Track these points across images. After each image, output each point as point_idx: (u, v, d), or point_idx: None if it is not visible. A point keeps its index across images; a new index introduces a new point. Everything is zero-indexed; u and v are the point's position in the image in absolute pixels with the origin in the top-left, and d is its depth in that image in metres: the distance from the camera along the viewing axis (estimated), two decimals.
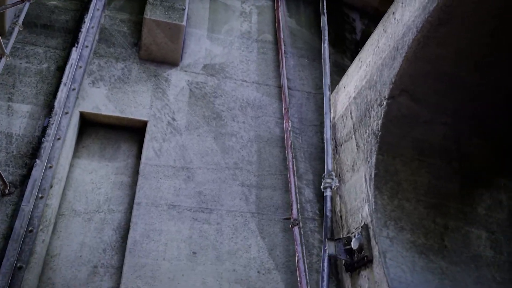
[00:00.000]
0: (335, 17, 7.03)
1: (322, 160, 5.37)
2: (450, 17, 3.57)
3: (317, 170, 5.31)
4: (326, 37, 5.99)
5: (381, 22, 4.67)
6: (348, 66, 6.26)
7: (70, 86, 4.86)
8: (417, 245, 4.04)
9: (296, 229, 4.58)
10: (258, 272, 4.44)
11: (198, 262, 4.33)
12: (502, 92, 4.33)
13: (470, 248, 4.32)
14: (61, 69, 5.02)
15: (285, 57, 6.12)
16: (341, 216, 4.74)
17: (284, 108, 5.53)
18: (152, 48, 5.40)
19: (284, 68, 5.89)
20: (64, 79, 4.84)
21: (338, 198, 4.86)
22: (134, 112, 5.07)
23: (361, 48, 5.98)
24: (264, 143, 5.31)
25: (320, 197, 5.10)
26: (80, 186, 4.65)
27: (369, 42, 4.87)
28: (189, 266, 4.28)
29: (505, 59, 3.97)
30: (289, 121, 5.42)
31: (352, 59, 6.65)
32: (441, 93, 4.18)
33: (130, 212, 4.60)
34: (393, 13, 4.37)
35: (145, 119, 5.05)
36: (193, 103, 5.33)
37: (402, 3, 4.20)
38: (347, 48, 6.83)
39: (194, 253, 4.36)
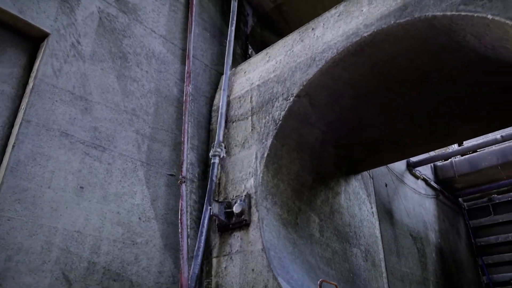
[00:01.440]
0: (238, 6, 7.53)
1: (207, 129, 5.78)
2: (363, 52, 4.63)
3: (202, 138, 5.69)
4: (234, 21, 6.45)
5: (297, 31, 5.46)
6: (238, 53, 6.86)
7: None
8: (283, 218, 4.95)
9: (183, 186, 4.87)
10: (139, 218, 4.54)
11: (84, 198, 4.13)
12: (360, 121, 5.73)
13: (309, 228, 5.52)
14: None
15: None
16: (219, 183, 5.28)
17: (187, 72, 5.70)
18: None
19: (192, 34, 6.04)
20: None
21: (220, 167, 5.38)
22: (36, 18, 4.38)
23: (249, 41, 6.70)
24: (162, 98, 5.37)
25: (201, 162, 5.50)
26: None
27: (280, 43, 5.60)
28: (74, 200, 4.04)
29: (375, 98, 5.33)
30: (190, 86, 5.63)
31: (242, 48, 7.27)
32: (328, 105, 5.25)
33: (9, 128, 4.00)
34: (313, 29, 5.22)
35: (48, 30, 4.43)
36: (101, 34, 4.94)
37: (323, 24, 5.10)
38: (239, 37, 7.41)
39: (81, 187, 4.14)
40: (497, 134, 11.05)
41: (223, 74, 6.30)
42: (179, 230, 4.61)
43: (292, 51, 5.29)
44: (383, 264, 8.32)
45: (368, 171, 8.71)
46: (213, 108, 5.94)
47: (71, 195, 4.04)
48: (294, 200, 5.25)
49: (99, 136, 4.48)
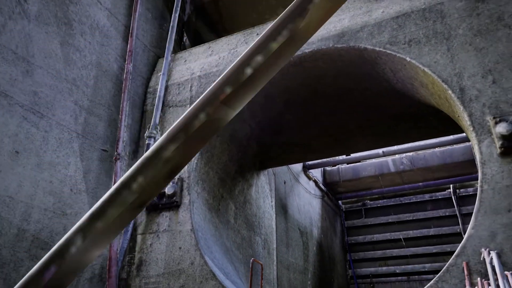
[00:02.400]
0: None
1: (141, 110, 5.88)
2: (301, 65, 5.27)
3: (135, 117, 5.77)
4: (179, 8, 6.60)
5: (241, 33, 5.89)
6: (173, 39, 7.00)
7: None
8: (209, 203, 5.35)
9: (118, 162, 4.94)
10: (71, 190, 4.53)
11: (19, 163, 4.01)
12: (283, 124, 6.40)
13: (227, 214, 6.01)
14: None
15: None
16: None
17: (129, 51, 5.71)
18: None
19: (138, 13, 6.05)
20: None
21: None
22: None
23: (185, 28, 6.96)
24: (102, 73, 5.33)
25: (132, 141, 5.59)
26: None
27: (224, 40, 5.96)
28: (9, 164, 3.91)
29: (301, 107, 6.03)
30: (131, 65, 5.66)
31: (178, 34, 7.41)
32: (262, 106, 5.79)
33: None
34: (257, 34, 5.70)
35: None
36: None
37: None
38: (178, 23, 7.53)
39: (17, 152, 4.00)
40: (379, 150, 12.84)
41: (161, 57, 6.42)
42: None
43: (236, 50, 5.70)
44: (275, 253, 9.22)
45: (272, 168, 9.53)
46: (148, 90, 6.04)
47: (6, 159, 3.90)
48: (219, 187, 5.69)
49: (38, 101, 4.35)
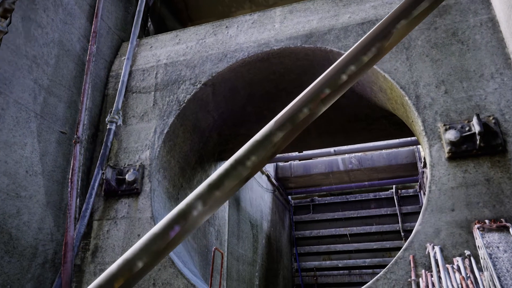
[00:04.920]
0: None
1: (102, 93, 5.73)
2: (268, 61, 5.39)
3: (96, 101, 5.62)
4: None
5: (210, 24, 5.90)
6: (139, 23, 6.87)
7: None
8: (169, 192, 5.35)
9: (78, 146, 4.80)
10: (27, 172, 4.36)
11: None
12: (244, 117, 6.51)
13: None
14: None
15: None
16: (110, 149, 5.33)
17: (93, 32, 5.54)
18: None
19: None
20: None
21: (112, 134, 5.42)
22: None
23: (150, 14, 6.88)
24: (64, 52, 5.14)
25: (92, 125, 5.45)
26: None
27: (192, 29, 5.95)
28: None
29: (263, 101, 6.17)
30: (95, 46, 5.50)
31: (143, 19, 7.25)
32: (226, 98, 5.86)
33: None
34: (227, 27, 5.74)
35: None
36: None
37: (238, 26, 5.67)
38: (140, 9, 7.36)
39: None
40: (331, 149, 13.32)
41: (125, 41, 6.28)
42: (69, 190, 4.57)
43: (204, 41, 5.71)
44: (226, 244, 9.34)
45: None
46: (111, 74, 5.90)
47: None
48: (179, 177, 5.69)
49: None
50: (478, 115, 3.81)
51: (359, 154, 14.34)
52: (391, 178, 14.48)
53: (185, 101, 5.32)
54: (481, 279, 3.22)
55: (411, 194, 14.84)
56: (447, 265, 3.43)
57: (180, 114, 5.33)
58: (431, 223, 3.75)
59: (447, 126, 4.02)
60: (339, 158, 14.43)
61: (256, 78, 5.60)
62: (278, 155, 14.42)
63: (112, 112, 5.29)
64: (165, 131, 5.20)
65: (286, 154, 14.53)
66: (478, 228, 3.42)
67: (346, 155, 14.53)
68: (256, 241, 11.65)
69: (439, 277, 3.38)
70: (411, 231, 14.20)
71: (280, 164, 15.04)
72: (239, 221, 10.46)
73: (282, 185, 14.85)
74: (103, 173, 4.79)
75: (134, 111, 5.52)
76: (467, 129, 3.92)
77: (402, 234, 14.20)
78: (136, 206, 4.85)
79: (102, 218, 4.92)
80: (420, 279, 3.50)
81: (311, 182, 14.98)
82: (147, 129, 5.30)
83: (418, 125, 4.33)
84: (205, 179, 6.71)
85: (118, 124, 5.30)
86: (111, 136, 5.15)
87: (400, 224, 14.35)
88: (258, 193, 12.41)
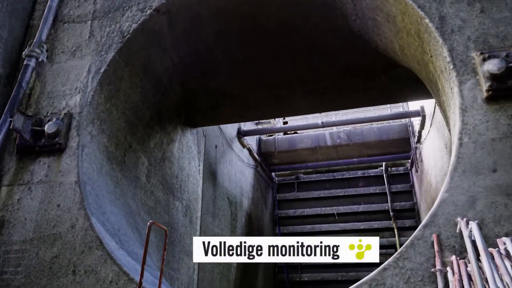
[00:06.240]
0: None
1: (26, 24, 4.39)
2: None
3: (15, 32, 4.27)
4: None
5: None
6: None
7: None
8: (109, 151, 4.09)
9: None
10: None
11: None
12: (213, 66, 5.23)
13: (136, 170, 4.79)
14: None
15: None
16: (30, 94, 4.03)
17: None
18: None
19: None
20: None
21: (34, 74, 4.10)
22: None
23: None
24: None
25: (8, 61, 4.12)
26: None
27: None
28: None
29: (235, 44, 4.89)
30: None
31: None
32: (187, 33, 4.55)
33: None
34: None
35: None
36: None
37: None
38: None
39: None
40: (319, 120, 12.17)
41: None
42: None
43: None
44: (199, 222, 8.18)
45: (202, 129, 8.39)
46: (38, 0, 4.53)
47: None
48: (126, 134, 4.43)
49: None
50: None
51: (348, 128, 13.22)
52: (382, 155, 13.42)
53: (130, 32, 4.02)
54: None
55: (401, 172, 13.89)
56: (490, 249, 2.31)
57: (124, 49, 4.03)
58: (463, 188, 2.60)
59: (486, 55, 2.84)
60: (326, 133, 13.26)
61: (226, 7, 4.32)
62: (260, 127, 13.19)
63: (33, 44, 3.96)
64: (102, 70, 3.91)
65: (269, 127, 13.32)
66: None
67: (334, 128, 13.43)
68: (235, 220, 10.50)
69: (479, 267, 2.25)
70: (400, 210, 13.32)
71: (264, 138, 13.82)
72: (215, 197, 9.27)
73: (265, 160, 13.66)
74: (11, 121, 3.49)
75: (64, 46, 4.20)
76: None
77: (391, 214, 13.30)
78: (58, 167, 3.59)
79: (13, 183, 3.65)
80: (449, 269, 2.37)
81: (297, 158, 13.81)
82: (80, 67, 4.00)
83: (441, 59, 3.13)
84: (167, 142, 5.45)
85: (41, 60, 3.98)
86: (27, 75, 3.84)
87: (389, 204, 13.42)
88: (238, 167, 11.20)
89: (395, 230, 13.12)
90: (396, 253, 2.52)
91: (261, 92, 6.51)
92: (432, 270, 2.38)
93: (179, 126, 6.29)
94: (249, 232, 11.47)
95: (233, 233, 10.19)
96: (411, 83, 6.02)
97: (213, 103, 6.66)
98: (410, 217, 13.14)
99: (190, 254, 7.49)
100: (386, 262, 2.50)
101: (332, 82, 6.27)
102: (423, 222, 2.58)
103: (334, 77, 6.04)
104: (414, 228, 13.18)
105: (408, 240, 2.52)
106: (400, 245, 12.75)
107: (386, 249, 13.13)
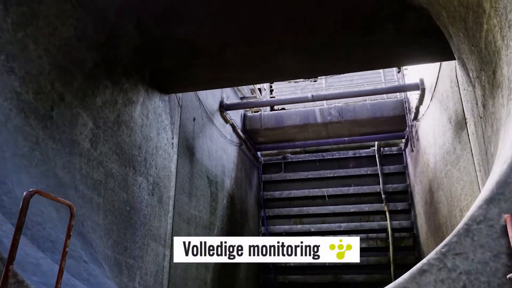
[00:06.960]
0: None
1: None
2: None
3: None
4: None
5: None
6: None
7: None
8: (22, 100, 2.96)
9: None
10: None
11: None
12: (180, 8, 4.10)
13: (74, 131, 3.69)
14: None
15: None
16: None
17: None
18: None
19: None
20: None
21: None
22: None
23: None
24: None
25: None
26: None
27: None
28: None
29: None
30: None
31: None
32: None
33: None
34: None
35: None
36: None
37: None
38: None
39: None
40: (308, 93, 11.12)
41: None
42: None
43: None
44: (171, 203, 7.14)
45: (177, 98, 7.28)
46: None
47: None
48: (55, 80, 3.30)
49: None
50: None
51: (340, 104, 12.20)
52: (375, 133, 12.48)
53: None
54: None
55: (394, 152, 13.04)
56: None
57: None
58: None
59: None
60: (316, 109, 12.22)
61: None
62: (245, 101, 12.06)
63: None
64: None
65: (255, 100, 12.20)
66: None
67: (325, 104, 12.43)
68: (215, 201, 9.48)
69: None
70: (392, 193, 12.47)
71: (249, 114, 12.72)
72: (193, 175, 8.21)
73: (251, 138, 12.60)
74: None
75: None
76: None
77: (383, 196, 12.48)
78: None
79: None
80: None
81: (284, 136, 12.77)
82: None
83: None
84: (124, 103, 4.34)
85: None
86: None
87: (381, 186, 12.58)
88: (220, 144, 10.13)
89: (387, 213, 12.32)
90: (441, 244, 1.50)
91: (241, 48, 5.40)
92: (509, 276, 1.36)
93: (142, 85, 5.16)
94: (231, 215, 10.50)
95: (213, 215, 9.19)
96: (420, 37, 4.99)
97: (184, 61, 5.54)
98: (403, 199, 12.37)
99: (158, 238, 6.45)
100: (425, 260, 1.48)
101: (327, 37, 5.19)
102: (484, 195, 1.55)
103: (329, 30, 4.97)
104: (406, 211, 12.37)
105: (461, 224, 1.50)
106: (392, 229, 11.91)
107: (377, 233, 12.34)
